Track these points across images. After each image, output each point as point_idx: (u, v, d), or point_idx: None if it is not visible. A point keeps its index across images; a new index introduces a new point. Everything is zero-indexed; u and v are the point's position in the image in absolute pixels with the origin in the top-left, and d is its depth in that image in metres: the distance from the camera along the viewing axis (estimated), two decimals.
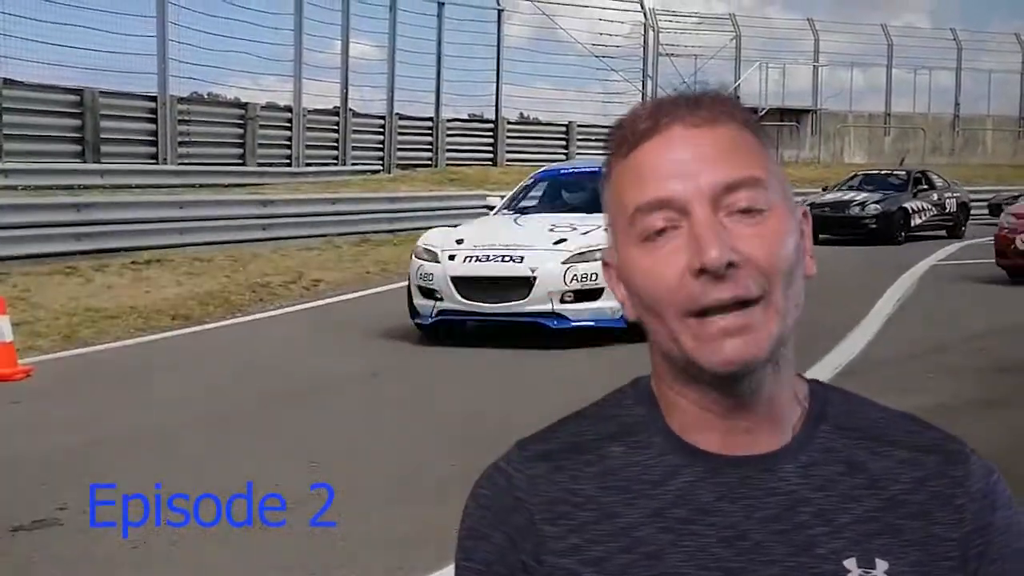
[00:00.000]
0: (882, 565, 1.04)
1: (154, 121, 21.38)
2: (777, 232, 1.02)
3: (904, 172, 24.98)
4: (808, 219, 1.11)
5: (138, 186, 19.32)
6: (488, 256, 10.31)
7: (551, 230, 10.68)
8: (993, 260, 15.48)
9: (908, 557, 1.04)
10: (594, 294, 9.82)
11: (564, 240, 10.37)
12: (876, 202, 22.47)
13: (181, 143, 21.93)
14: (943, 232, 23.74)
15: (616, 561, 1.04)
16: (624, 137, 1.08)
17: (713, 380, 1.03)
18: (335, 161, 26.43)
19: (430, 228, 11.76)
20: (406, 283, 10.98)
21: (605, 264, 1.12)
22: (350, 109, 27.07)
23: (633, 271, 1.05)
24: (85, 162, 19.68)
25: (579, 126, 32.73)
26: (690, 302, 1.00)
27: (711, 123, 1.05)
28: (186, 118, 22.21)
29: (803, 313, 1.05)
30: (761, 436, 1.07)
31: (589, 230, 10.17)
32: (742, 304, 1.00)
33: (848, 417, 1.11)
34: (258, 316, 12.46)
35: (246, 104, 24.30)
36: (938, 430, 1.12)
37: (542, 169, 13.81)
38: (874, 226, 22.08)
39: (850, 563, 1.03)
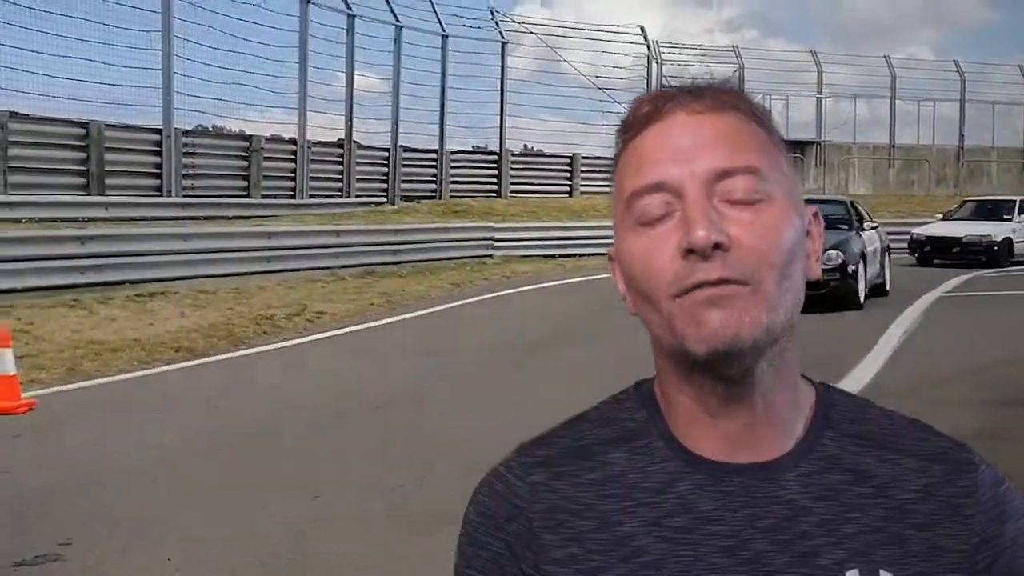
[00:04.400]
0: None
1: (159, 154, 21.42)
2: (773, 223, 1.01)
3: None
4: (819, 221, 1.10)
5: (143, 218, 19.34)
6: None
7: None
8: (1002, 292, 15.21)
9: (913, 568, 1.02)
10: None
11: None
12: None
13: (186, 175, 21.97)
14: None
15: (614, 571, 1.02)
16: (627, 124, 1.08)
17: (705, 361, 1.00)
18: (339, 193, 26.48)
19: (434, 260, 11.80)
20: (416, 314, 10.94)
21: (610, 259, 1.11)
22: (354, 141, 27.14)
23: (628, 256, 1.04)
24: (90, 194, 19.72)
25: (583, 158, 32.75)
26: (677, 282, 0.99)
27: (713, 111, 1.05)
28: (191, 151, 22.25)
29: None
30: (762, 439, 1.05)
31: None
32: (729, 283, 0.98)
33: (854, 423, 1.09)
34: (262, 349, 12.44)
35: (251, 136, 24.35)
36: (947, 438, 1.10)
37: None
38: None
39: (852, 574, 1.01)
